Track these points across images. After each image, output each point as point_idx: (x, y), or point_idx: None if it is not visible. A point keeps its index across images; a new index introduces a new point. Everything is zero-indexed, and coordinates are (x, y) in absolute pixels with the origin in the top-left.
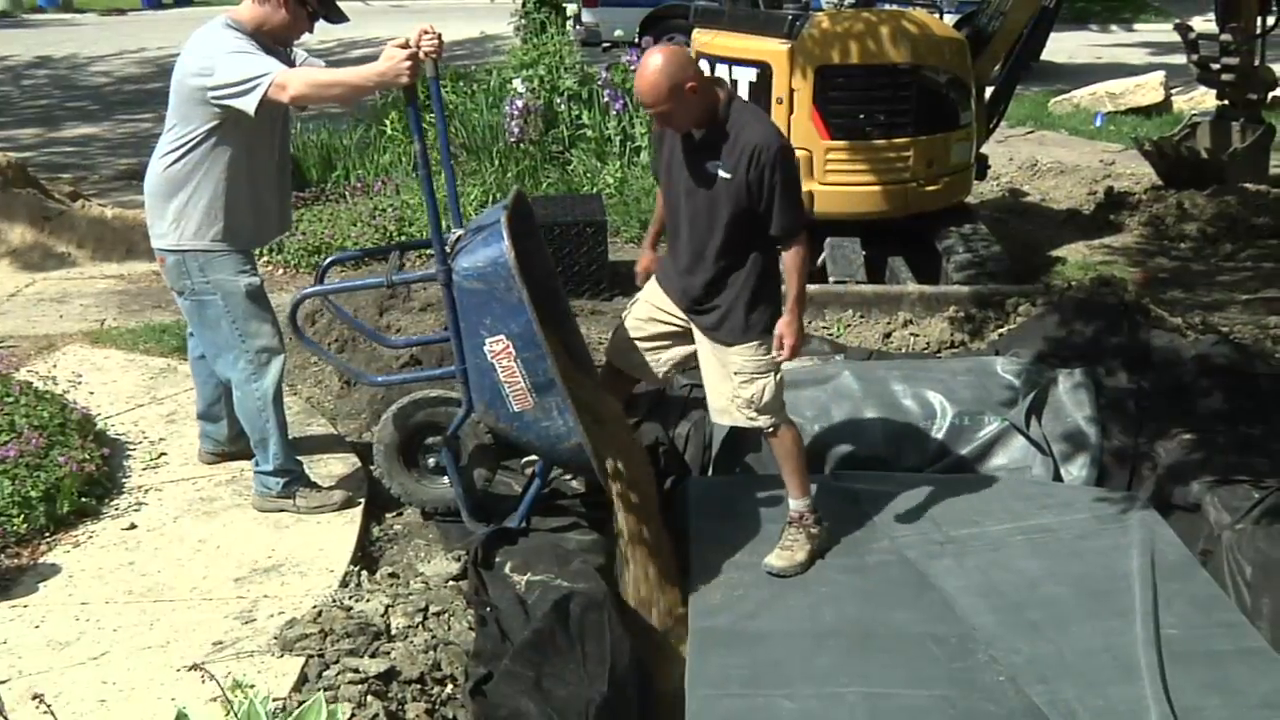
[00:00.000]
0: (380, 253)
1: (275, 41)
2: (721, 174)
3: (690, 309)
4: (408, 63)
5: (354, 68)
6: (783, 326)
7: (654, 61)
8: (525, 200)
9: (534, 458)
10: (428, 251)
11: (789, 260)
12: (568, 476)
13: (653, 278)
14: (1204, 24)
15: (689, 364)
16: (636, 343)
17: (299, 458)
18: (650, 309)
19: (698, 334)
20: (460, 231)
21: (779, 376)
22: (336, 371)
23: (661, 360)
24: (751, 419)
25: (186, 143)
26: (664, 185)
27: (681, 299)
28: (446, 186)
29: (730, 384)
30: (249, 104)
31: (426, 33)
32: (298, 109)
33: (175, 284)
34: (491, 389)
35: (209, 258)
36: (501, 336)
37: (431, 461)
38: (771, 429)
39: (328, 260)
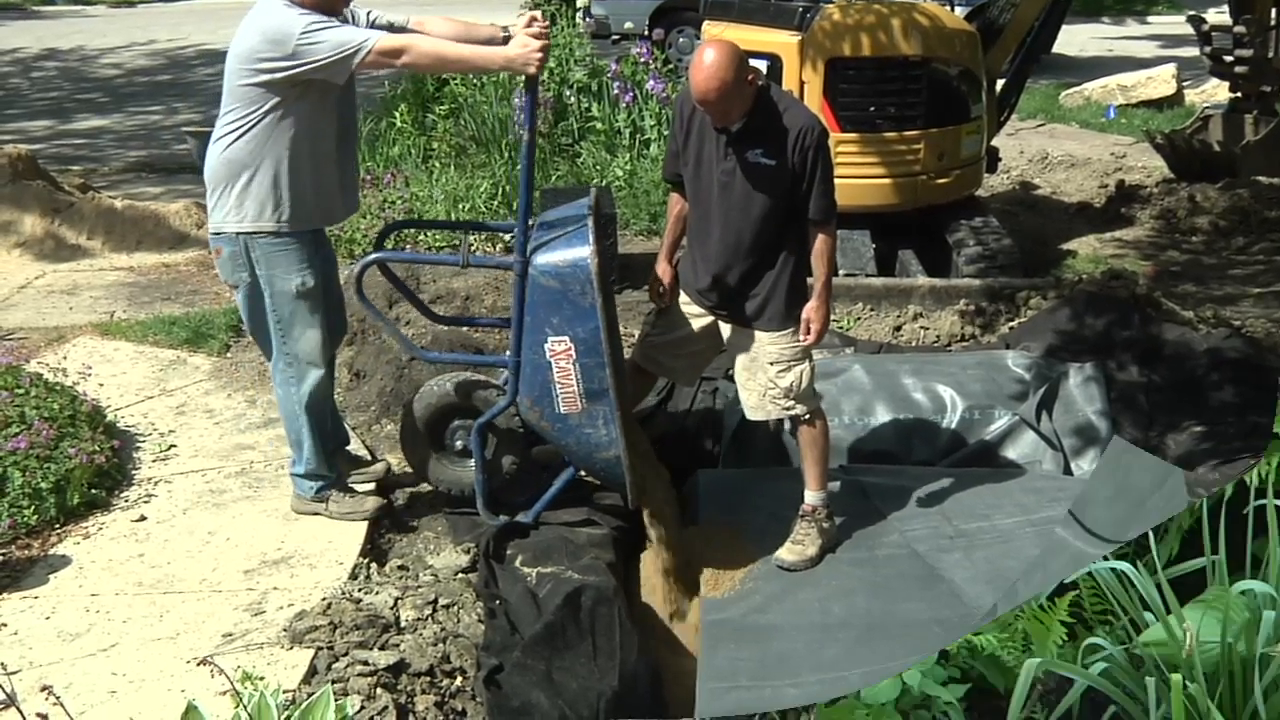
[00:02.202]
0: (447, 226)
1: (329, 10)
2: (764, 160)
3: (722, 305)
4: (540, 53)
5: (480, 47)
6: (810, 311)
7: (712, 56)
8: (601, 202)
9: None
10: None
11: (819, 245)
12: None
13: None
14: (1217, 16)
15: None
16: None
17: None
18: (679, 313)
19: (728, 331)
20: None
21: (812, 364)
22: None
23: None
24: (788, 408)
25: (247, 123)
26: (691, 184)
27: (710, 297)
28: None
29: (765, 375)
30: (339, 74)
31: (537, 19)
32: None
33: (230, 277)
34: (542, 386)
35: (269, 247)
36: (566, 338)
37: (460, 444)
38: (807, 416)
39: (387, 226)
